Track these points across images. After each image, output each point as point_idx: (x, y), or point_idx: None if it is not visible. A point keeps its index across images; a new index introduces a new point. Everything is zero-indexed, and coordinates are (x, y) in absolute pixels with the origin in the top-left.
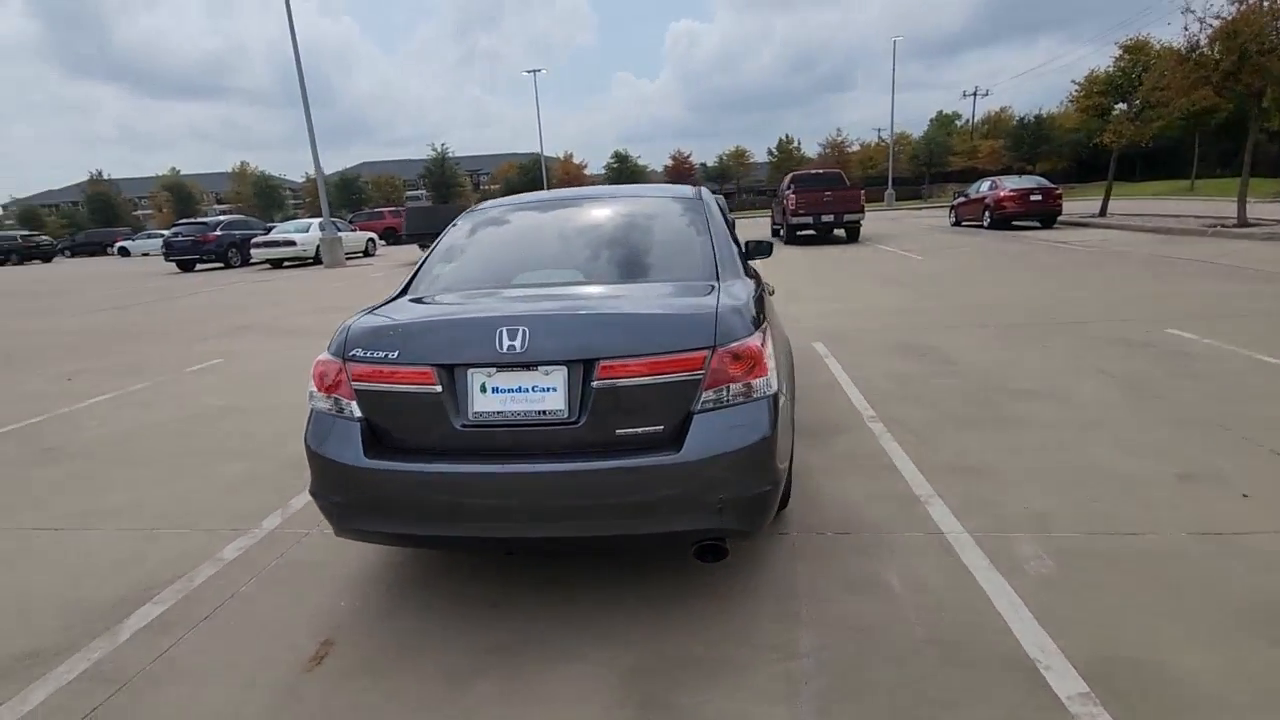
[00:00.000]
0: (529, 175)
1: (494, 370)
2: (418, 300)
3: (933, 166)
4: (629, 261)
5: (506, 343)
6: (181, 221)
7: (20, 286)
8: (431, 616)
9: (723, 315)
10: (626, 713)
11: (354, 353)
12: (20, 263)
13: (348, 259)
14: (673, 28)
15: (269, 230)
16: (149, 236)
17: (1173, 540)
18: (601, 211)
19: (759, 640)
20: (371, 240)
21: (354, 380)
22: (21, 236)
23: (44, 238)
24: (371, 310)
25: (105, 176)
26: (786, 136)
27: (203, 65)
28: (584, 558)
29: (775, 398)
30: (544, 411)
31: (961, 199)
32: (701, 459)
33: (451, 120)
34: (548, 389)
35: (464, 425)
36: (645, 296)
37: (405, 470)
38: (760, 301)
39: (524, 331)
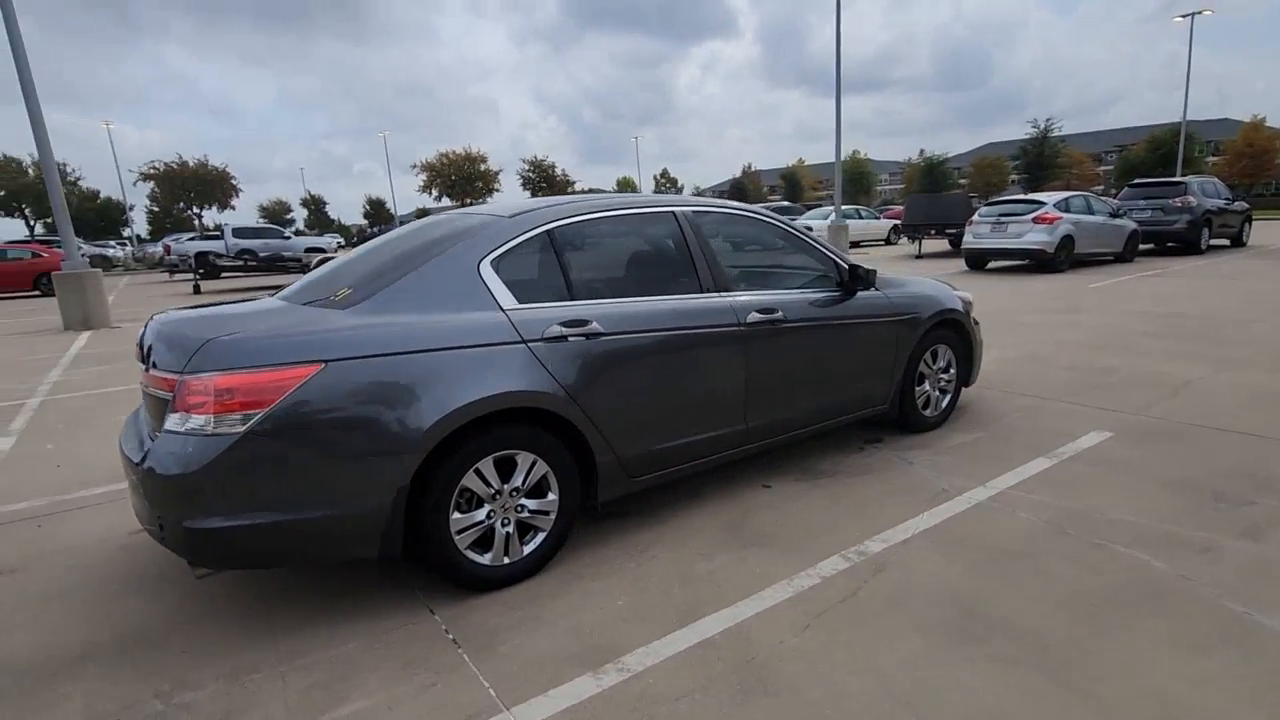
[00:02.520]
0: (1161, 151)
1: None
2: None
3: None
4: (328, 283)
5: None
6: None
7: None
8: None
9: (213, 344)
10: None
11: None
12: None
13: (859, 245)
14: None
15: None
16: None
17: None
18: (406, 232)
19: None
20: (895, 229)
21: None
22: None
23: None
24: None
25: (752, 169)
26: None
27: (869, 63)
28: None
29: (244, 438)
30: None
31: None
32: (142, 473)
33: (1130, 85)
34: None
35: None
36: (216, 317)
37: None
38: (387, 340)
39: (145, 331)
